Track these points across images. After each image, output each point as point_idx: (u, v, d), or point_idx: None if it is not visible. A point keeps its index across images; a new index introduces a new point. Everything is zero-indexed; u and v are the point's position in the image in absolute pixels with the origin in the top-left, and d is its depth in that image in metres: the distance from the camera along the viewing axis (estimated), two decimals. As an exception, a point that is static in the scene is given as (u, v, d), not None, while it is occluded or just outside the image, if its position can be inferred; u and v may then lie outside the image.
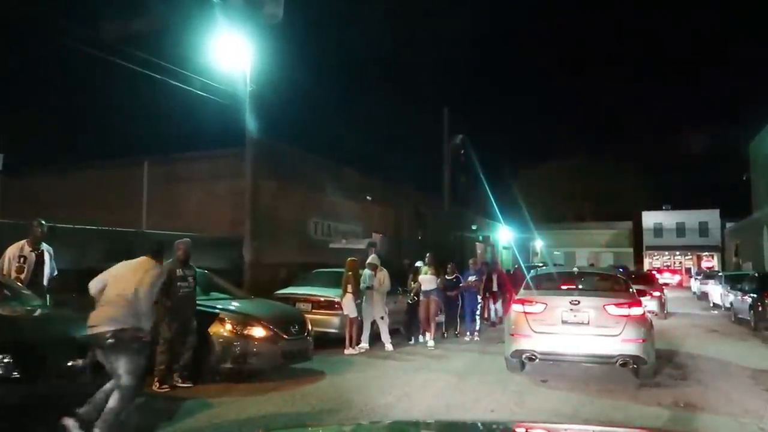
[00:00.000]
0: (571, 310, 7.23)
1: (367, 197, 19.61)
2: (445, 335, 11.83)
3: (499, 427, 2.94)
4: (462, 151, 25.91)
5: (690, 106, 75.73)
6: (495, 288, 14.13)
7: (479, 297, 12.42)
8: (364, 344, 9.95)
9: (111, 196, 15.57)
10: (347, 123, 38.72)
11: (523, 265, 25.20)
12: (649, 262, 51.73)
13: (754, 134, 35.71)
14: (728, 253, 42.83)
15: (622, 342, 7.02)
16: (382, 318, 9.92)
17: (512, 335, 7.50)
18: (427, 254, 11.32)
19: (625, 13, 74.19)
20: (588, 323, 7.16)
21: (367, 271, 10.18)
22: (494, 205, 36.79)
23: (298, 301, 10.03)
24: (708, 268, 45.08)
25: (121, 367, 4.45)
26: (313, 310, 9.91)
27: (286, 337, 7.12)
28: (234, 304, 7.58)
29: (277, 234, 14.86)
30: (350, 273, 9.67)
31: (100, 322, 4.51)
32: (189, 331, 6.70)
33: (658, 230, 54.28)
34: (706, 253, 52.40)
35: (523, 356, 7.45)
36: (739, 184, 36.90)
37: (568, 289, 8.03)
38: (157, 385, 6.46)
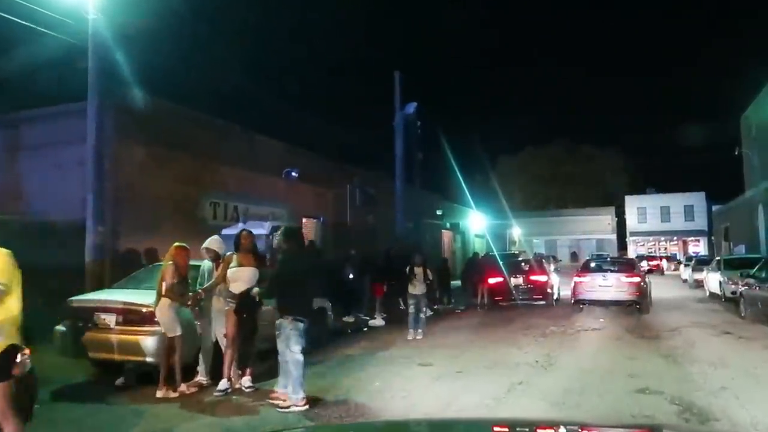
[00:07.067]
0: (603, 279, 13.67)
1: (293, 173, 15.86)
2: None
3: (506, 424, 2.78)
4: (418, 123, 22.36)
5: (673, 86, 72.98)
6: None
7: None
8: (201, 378, 6.33)
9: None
10: (270, 79, 33.48)
11: (497, 253, 22.03)
12: (634, 249, 48.87)
13: (745, 106, 32.94)
14: (717, 237, 40.00)
15: (628, 294, 13.27)
16: (226, 337, 6.24)
17: (573, 293, 14.11)
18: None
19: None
20: (611, 286, 13.47)
21: (206, 263, 6.56)
22: (465, 190, 33.51)
23: (99, 312, 6.36)
24: (695, 252, 42.49)
25: None
26: (120, 326, 6.25)
27: None
28: None
29: (149, 216, 11.16)
30: (170, 265, 6.02)
31: None
32: None
33: (642, 215, 51.58)
34: (692, 238, 49.96)
35: (580, 304, 13.93)
36: (730, 161, 34.15)
37: (603, 268, 14.65)
38: None
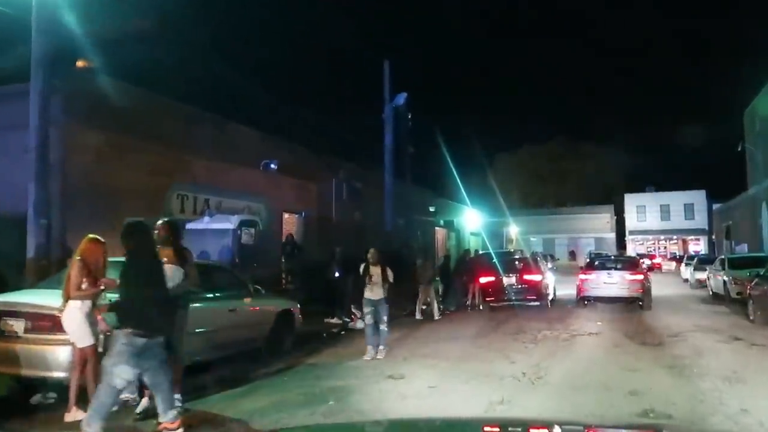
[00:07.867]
0: (608, 276, 14.27)
1: (271, 165, 14.89)
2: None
3: (509, 424, 2.82)
4: (409, 115, 21.39)
5: (673, 82, 72.01)
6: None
7: None
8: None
9: None
10: (252, 67, 31.58)
11: (491, 251, 21.13)
12: (633, 248, 47.94)
13: (746, 102, 32.09)
14: (718, 236, 39.08)
15: (630, 291, 13.89)
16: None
17: (579, 290, 14.58)
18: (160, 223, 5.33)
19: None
20: (616, 283, 14.06)
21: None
22: (461, 187, 32.56)
23: (6, 316, 5.40)
24: (695, 251, 41.57)
25: None
26: (29, 334, 5.29)
27: None
28: None
29: (106, 209, 10.18)
30: (77, 261, 5.05)
31: None
32: None
33: (641, 213, 50.68)
34: (693, 237, 49.03)
35: (584, 300, 14.45)
36: (730, 159, 33.28)
37: (608, 266, 15.11)
38: None
